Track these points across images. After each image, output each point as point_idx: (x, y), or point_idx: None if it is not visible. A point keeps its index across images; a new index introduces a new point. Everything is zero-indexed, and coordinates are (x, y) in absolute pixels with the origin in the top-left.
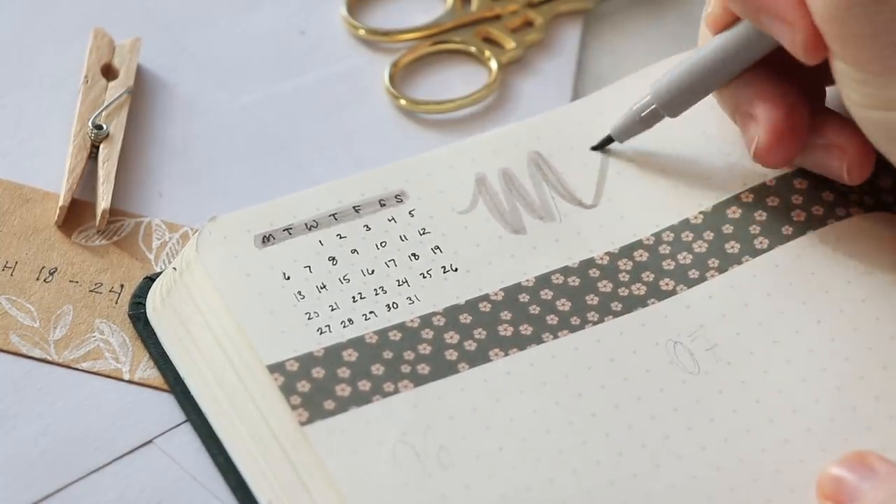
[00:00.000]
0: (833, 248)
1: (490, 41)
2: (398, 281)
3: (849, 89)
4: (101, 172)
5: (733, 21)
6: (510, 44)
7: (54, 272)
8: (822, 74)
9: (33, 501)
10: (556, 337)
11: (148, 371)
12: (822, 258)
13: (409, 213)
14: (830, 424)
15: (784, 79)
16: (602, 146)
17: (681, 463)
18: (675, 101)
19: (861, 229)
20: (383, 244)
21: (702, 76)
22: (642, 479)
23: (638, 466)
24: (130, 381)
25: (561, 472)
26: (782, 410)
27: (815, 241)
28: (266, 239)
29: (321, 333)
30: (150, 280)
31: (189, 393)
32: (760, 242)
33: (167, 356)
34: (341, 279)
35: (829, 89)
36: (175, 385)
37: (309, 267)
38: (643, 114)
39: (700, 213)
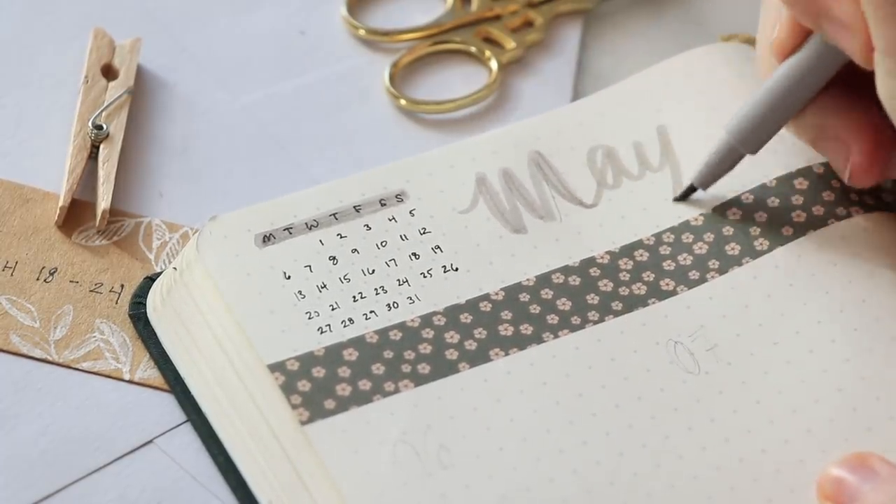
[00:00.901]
0: (833, 249)
1: (490, 41)
2: (399, 280)
3: (885, 84)
4: (101, 172)
5: (800, 44)
6: (510, 44)
7: (54, 272)
8: None
9: (33, 501)
10: (556, 336)
11: (148, 371)
12: (822, 259)
13: (410, 212)
14: (831, 425)
15: (860, 96)
16: (685, 197)
17: (681, 463)
18: (753, 136)
19: (862, 229)
20: (384, 244)
21: (777, 105)
22: (643, 479)
23: (638, 466)
24: (131, 381)
25: (561, 471)
26: (783, 411)
27: (815, 242)
28: (266, 238)
29: (322, 333)
30: (151, 280)
31: (189, 393)
32: (761, 243)
33: (167, 356)
34: (342, 279)
35: None
36: (175, 385)
37: (309, 266)
38: (722, 156)
39: (700, 214)
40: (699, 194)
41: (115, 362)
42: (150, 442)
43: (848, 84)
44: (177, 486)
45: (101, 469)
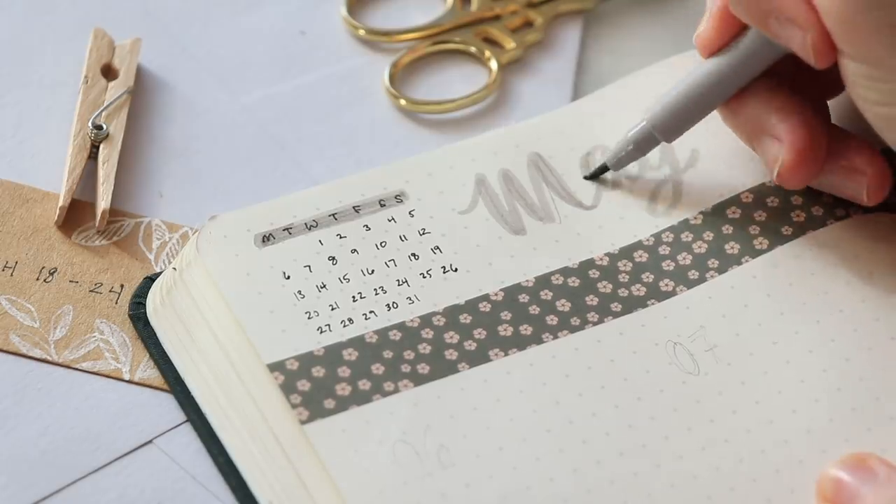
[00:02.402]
0: (833, 249)
1: (490, 41)
2: (398, 281)
3: (862, 88)
4: (101, 172)
5: (726, 43)
6: (510, 44)
7: (54, 272)
8: (824, 88)
9: (33, 501)
10: (555, 337)
11: (148, 371)
12: (821, 259)
13: (409, 213)
14: (830, 425)
15: (794, 94)
16: (596, 175)
17: (681, 463)
18: (672, 125)
19: (861, 230)
20: (383, 244)
21: (698, 99)
22: (643, 479)
23: (638, 466)
24: (130, 382)
25: (561, 471)
26: (782, 411)
27: (814, 242)
28: (266, 238)
29: (321, 333)
30: (151, 280)
31: (189, 393)
32: (760, 243)
33: (167, 356)
34: (341, 279)
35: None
36: (175, 385)
37: (309, 266)
38: (638, 140)
39: (700, 213)
40: (608, 175)
41: (115, 362)
42: (149, 442)
43: (781, 82)
44: (177, 486)
45: (101, 469)
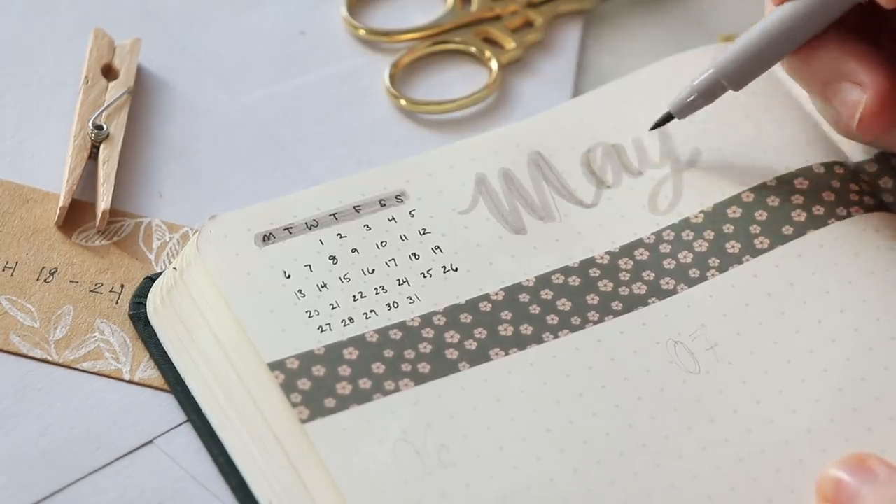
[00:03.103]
0: (834, 248)
1: (490, 41)
2: (398, 280)
3: None
4: (101, 173)
5: None
6: (510, 44)
7: (54, 272)
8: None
9: (33, 501)
10: (556, 337)
11: (148, 371)
12: (822, 258)
13: (410, 213)
14: (831, 425)
15: (868, 40)
16: (662, 124)
17: (681, 463)
18: (741, 72)
19: (862, 229)
20: (383, 244)
21: (769, 45)
22: (643, 479)
23: (638, 466)
24: (131, 382)
25: (561, 471)
26: (783, 411)
27: (815, 241)
28: (266, 238)
29: (322, 332)
30: (151, 280)
31: (189, 393)
32: (761, 242)
33: (167, 356)
34: (342, 278)
35: None
36: (175, 385)
37: (309, 266)
38: (703, 88)
39: (700, 211)
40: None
41: (115, 362)
42: (150, 442)
43: (855, 29)
44: (177, 486)
45: (101, 469)
